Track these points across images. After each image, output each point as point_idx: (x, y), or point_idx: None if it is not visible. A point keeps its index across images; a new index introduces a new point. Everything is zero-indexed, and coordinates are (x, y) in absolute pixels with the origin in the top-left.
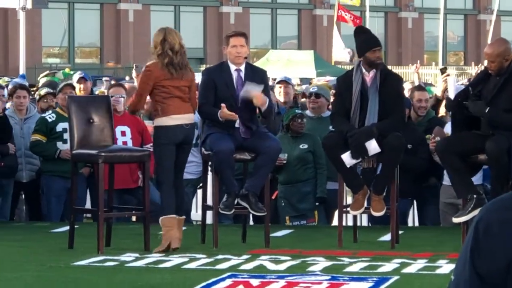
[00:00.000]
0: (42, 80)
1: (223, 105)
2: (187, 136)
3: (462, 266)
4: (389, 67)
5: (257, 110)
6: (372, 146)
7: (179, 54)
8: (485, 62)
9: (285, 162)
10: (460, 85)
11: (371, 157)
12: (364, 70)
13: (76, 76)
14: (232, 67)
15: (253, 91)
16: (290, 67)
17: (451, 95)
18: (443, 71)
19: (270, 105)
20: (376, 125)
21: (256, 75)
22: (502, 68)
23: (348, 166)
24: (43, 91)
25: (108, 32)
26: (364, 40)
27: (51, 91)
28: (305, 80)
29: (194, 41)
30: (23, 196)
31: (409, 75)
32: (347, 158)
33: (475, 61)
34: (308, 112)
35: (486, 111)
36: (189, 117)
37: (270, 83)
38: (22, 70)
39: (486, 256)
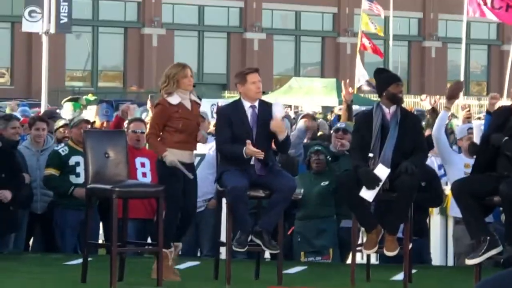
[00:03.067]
0: (65, 104)
1: (248, 141)
2: None
3: None
4: (412, 96)
5: (273, 143)
6: (382, 170)
7: None
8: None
9: (300, 197)
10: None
11: (386, 181)
12: (384, 107)
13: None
14: (246, 105)
15: (278, 112)
16: (312, 95)
17: (476, 139)
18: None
19: (287, 137)
20: (408, 162)
21: (270, 110)
22: None
23: (371, 201)
24: (60, 123)
25: (132, 56)
26: (386, 76)
27: (67, 122)
28: (327, 108)
29: (217, 67)
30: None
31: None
32: (365, 193)
33: (498, 91)
34: (331, 148)
35: (503, 140)
36: None
37: (292, 113)
38: (44, 93)
39: None
